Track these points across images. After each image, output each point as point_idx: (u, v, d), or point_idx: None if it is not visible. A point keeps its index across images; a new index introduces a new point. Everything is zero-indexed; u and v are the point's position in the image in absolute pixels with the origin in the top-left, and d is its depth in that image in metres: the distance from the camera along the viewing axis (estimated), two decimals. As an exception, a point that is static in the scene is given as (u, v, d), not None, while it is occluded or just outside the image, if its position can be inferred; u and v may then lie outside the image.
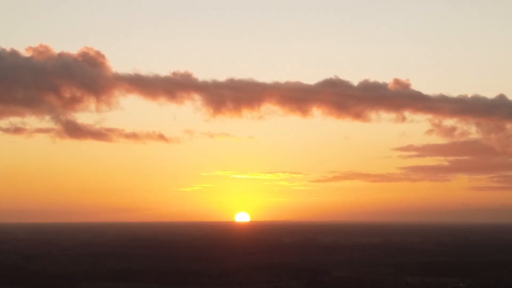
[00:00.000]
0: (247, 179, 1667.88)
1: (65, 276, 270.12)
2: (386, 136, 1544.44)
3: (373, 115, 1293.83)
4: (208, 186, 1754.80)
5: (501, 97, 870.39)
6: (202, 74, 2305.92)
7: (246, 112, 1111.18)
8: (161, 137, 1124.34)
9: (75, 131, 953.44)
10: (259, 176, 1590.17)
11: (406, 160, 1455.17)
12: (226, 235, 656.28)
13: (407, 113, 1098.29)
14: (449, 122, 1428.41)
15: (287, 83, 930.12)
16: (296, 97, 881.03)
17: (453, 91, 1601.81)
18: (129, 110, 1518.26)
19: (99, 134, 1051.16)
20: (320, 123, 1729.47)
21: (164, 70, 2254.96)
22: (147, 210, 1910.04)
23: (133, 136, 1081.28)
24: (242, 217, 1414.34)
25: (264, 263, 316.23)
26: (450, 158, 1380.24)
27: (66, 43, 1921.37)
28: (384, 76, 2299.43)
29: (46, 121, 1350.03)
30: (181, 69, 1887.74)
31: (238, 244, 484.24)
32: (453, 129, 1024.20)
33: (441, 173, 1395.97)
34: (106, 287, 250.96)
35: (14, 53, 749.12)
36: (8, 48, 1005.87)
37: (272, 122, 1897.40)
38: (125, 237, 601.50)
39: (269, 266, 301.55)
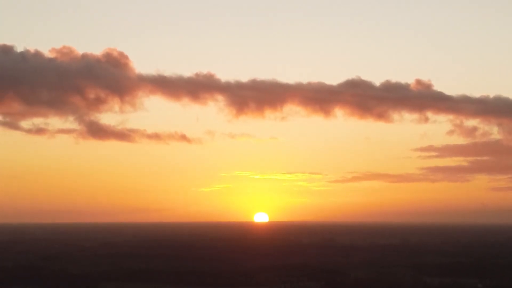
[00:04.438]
0: (266, 179, 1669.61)
1: (84, 276, 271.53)
2: (406, 137, 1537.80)
3: (395, 115, 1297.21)
4: (227, 186, 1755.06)
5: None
6: (224, 75, 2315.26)
7: (268, 113, 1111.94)
8: (183, 137, 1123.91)
9: (97, 131, 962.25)
10: (278, 176, 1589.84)
11: (425, 160, 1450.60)
12: (244, 235, 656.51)
13: (429, 114, 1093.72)
14: (471, 122, 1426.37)
15: (309, 84, 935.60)
16: (319, 97, 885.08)
17: (476, 92, 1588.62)
18: (152, 111, 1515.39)
19: (121, 135, 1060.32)
20: (342, 123, 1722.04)
21: (187, 71, 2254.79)
22: (166, 210, 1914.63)
23: (156, 136, 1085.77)
24: (261, 218, 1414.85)
25: (282, 263, 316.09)
26: (470, 158, 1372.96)
27: (89, 44, 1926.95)
28: (406, 76, 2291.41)
29: (69, 122, 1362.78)
30: (204, 70, 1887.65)
31: (256, 244, 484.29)
32: (474, 129, 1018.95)
33: (461, 174, 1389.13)
34: (125, 287, 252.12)
35: (38, 54, 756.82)
36: (32, 49, 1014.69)
37: (295, 123, 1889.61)
38: (144, 238, 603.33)
39: (287, 266, 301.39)
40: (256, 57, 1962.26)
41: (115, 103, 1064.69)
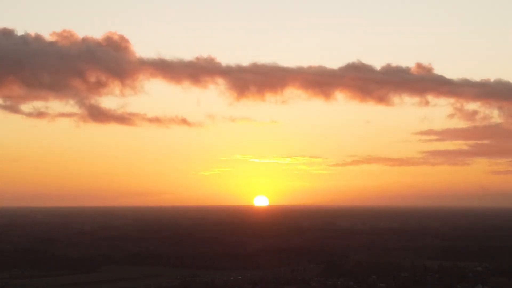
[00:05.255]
0: (266, 163, 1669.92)
1: (84, 260, 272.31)
2: (407, 120, 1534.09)
3: (396, 99, 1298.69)
4: (227, 170, 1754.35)
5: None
6: (225, 58, 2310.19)
7: (269, 96, 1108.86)
8: (184, 121, 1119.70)
9: (98, 115, 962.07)
10: (278, 160, 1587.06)
11: (425, 144, 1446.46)
12: (244, 219, 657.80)
13: (430, 97, 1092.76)
14: (471, 106, 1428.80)
15: (310, 68, 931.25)
16: (319, 81, 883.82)
17: (476, 75, 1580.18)
18: (153, 95, 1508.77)
19: (122, 119, 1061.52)
20: (343, 107, 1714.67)
21: (188, 54, 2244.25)
22: (166, 194, 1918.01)
23: (156, 120, 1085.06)
24: (261, 201, 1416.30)
25: (282, 247, 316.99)
26: (470, 142, 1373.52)
27: (90, 28, 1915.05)
28: (407, 60, 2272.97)
29: (69, 106, 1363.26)
30: (205, 53, 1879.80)
31: (256, 228, 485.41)
32: (475, 113, 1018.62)
33: (461, 157, 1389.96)
34: (125, 270, 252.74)
35: (38, 38, 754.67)
36: (32, 33, 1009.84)
37: (295, 107, 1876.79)
38: (144, 221, 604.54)
39: (287, 250, 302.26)
40: (257, 41, 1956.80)
41: (115, 86, 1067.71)
